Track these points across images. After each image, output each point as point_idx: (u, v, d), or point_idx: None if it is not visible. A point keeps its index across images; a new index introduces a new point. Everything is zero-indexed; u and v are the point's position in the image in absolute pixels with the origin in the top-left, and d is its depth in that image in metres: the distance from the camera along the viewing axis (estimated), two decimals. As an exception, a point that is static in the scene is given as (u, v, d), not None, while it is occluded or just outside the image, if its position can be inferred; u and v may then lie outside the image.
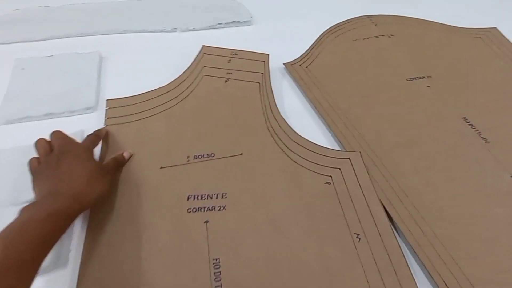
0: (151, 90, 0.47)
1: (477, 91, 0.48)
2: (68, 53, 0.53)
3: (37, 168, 0.34)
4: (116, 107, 0.45)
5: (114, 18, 0.61)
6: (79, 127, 0.43)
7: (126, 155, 0.39)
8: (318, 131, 0.44)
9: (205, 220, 0.34)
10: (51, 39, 0.56)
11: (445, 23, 0.60)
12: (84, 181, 0.31)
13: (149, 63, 0.53)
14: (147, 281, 0.30)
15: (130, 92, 0.47)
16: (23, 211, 0.28)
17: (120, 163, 0.38)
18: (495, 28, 0.59)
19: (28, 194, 0.34)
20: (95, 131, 0.40)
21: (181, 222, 0.34)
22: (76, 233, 0.34)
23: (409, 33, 0.58)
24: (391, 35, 0.58)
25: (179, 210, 0.35)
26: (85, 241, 0.33)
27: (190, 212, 0.35)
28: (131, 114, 0.44)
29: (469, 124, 0.44)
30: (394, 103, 0.47)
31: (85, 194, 0.31)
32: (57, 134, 0.36)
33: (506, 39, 0.57)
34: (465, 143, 0.42)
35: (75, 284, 0.30)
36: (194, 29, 0.60)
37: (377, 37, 0.58)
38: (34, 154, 0.35)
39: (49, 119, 0.45)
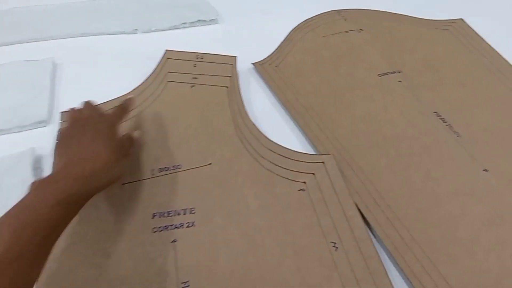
0: (111, 99, 0.44)
1: (447, 84, 0.48)
2: (16, 61, 0.48)
3: (62, 132, 0.34)
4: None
5: (69, 21, 0.56)
6: (30, 143, 0.39)
7: (136, 134, 0.38)
8: (291, 134, 0.42)
9: (172, 240, 0.32)
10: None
11: (412, 16, 0.60)
12: (101, 164, 0.29)
13: (108, 69, 0.50)
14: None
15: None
16: (33, 188, 0.27)
17: (133, 143, 0.37)
18: (461, 19, 0.59)
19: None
20: (123, 102, 0.37)
21: (146, 244, 0.31)
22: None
23: (379, 27, 0.57)
24: (361, 29, 0.57)
25: (144, 231, 0.32)
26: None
27: (156, 231, 0.32)
28: (89, 126, 0.41)
29: (441, 119, 0.43)
30: (368, 101, 0.46)
31: (99, 177, 0.29)
32: (88, 104, 0.36)
33: (473, 30, 0.57)
34: (439, 139, 0.41)
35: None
36: (156, 30, 0.56)
37: (347, 32, 0.57)
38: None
39: (-4, 136, 0.41)
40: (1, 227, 0.23)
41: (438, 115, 0.44)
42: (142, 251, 0.31)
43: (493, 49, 0.53)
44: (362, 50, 0.53)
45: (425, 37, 0.56)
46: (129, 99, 0.38)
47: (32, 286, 0.24)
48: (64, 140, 0.32)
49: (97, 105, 0.37)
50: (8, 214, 0.24)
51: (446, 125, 0.43)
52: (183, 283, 0.29)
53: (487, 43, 0.54)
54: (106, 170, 0.30)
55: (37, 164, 0.37)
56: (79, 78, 0.48)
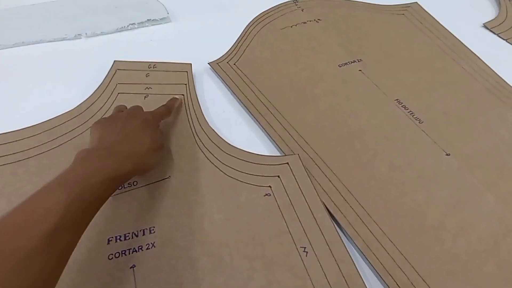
0: (54, 117, 0.40)
1: (405, 70, 0.48)
2: None
3: (104, 118, 0.35)
4: (4, 144, 0.37)
5: (0, 29, 0.51)
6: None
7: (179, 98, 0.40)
8: (253, 137, 0.40)
9: (131, 265, 0.29)
10: None
11: (368, 2, 0.59)
12: (145, 149, 0.30)
13: (49, 81, 0.45)
14: None
15: (27, 122, 0.39)
16: (80, 158, 0.27)
17: (163, 138, 0.36)
18: (416, 3, 0.59)
19: None
20: (168, 101, 0.40)
21: (103, 273, 0.29)
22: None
23: (335, 15, 0.56)
24: (319, 19, 0.55)
25: (99, 260, 0.29)
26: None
27: (112, 258, 0.30)
28: (30, 149, 0.37)
29: (402, 106, 0.43)
30: (330, 94, 0.45)
31: (142, 163, 0.30)
32: (134, 106, 0.36)
33: (427, 13, 0.57)
34: (401, 126, 0.41)
35: None
36: (102, 33, 0.52)
37: (305, 23, 0.55)
38: None
39: None
40: (57, 193, 0.23)
41: (400, 103, 0.43)
42: (99, 282, 0.28)
43: (447, 30, 0.53)
44: (321, 42, 0.52)
45: (381, 22, 0.55)
46: (174, 98, 0.40)
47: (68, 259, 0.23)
48: (110, 120, 0.33)
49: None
50: (61, 179, 0.24)
51: (408, 112, 0.42)
52: (145, 313, 0.27)
53: (441, 24, 0.54)
54: (148, 156, 0.31)
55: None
56: (13, 96, 0.43)
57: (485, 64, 0.48)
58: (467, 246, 0.32)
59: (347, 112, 0.43)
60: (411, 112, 0.42)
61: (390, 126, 0.41)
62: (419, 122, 0.41)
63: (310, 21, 0.55)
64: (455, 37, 0.52)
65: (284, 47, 0.51)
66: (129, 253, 0.30)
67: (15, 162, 0.35)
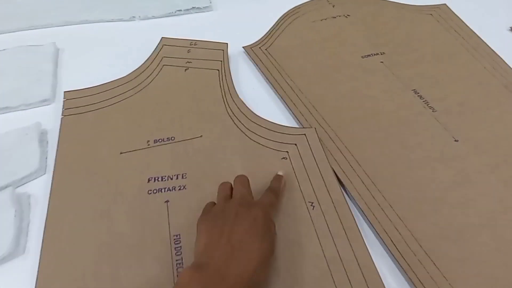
0: (109, 81, 0.47)
1: (426, 63, 0.51)
2: (20, 46, 0.51)
3: (210, 210, 0.30)
4: (74, 99, 0.45)
5: (69, 8, 0.59)
6: (36, 119, 0.42)
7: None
8: (278, 112, 0.45)
9: (165, 200, 0.35)
10: (0, 33, 0.54)
11: (398, 2, 0.62)
12: (254, 264, 0.26)
13: (107, 54, 0.53)
14: (110, 265, 0.31)
15: (88, 84, 0.47)
16: (187, 280, 0.24)
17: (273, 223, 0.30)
18: (444, 4, 0.61)
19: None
20: (272, 183, 0.34)
21: (142, 204, 0.35)
22: (36, 221, 0.34)
23: (364, 12, 0.60)
24: (348, 15, 0.59)
25: (140, 193, 0.36)
26: (45, 228, 0.33)
27: (150, 193, 0.36)
28: (90, 105, 0.44)
29: (418, 95, 0.46)
30: (351, 79, 0.49)
31: (252, 283, 0.25)
32: (241, 179, 0.32)
33: (455, 14, 0.59)
34: (415, 113, 0.44)
35: (36, 273, 0.31)
36: (153, 17, 0.59)
37: (334, 17, 0.59)
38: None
39: (5, 113, 0.44)
40: None
41: (416, 92, 0.47)
42: (139, 210, 0.34)
43: (472, 31, 0.55)
44: (347, 34, 0.56)
45: (407, 20, 0.58)
46: (278, 178, 0.35)
47: None
48: (216, 217, 0.29)
49: (247, 181, 0.33)
50: None
51: (423, 101, 0.45)
52: (175, 235, 0.32)
53: (466, 25, 0.56)
54: (256, 274, 0.26)
55: (42, 137, 0.41)
56: (80, 63, 0.51)
57: (506, 64, 0.50)
58: (464, 218, 0.34)
59: (365, 96, 0.46)
60: (426, 101, 0.45)
61: (405, 111, 0.44)
62: (432, 111, 0.44)
63: (339, 16, 0.59)
64: (479, 37, 0.54)
65: (313, 37, 0.55)
66: (164, 191, 0.36)
67: (78, 114, 0.43)
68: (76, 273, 0.31)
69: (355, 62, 0.51)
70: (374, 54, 0.52)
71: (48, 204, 0.35)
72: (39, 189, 0.37)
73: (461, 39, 0.55)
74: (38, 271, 0.31)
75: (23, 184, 0.37)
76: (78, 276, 0.30)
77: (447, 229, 0.34)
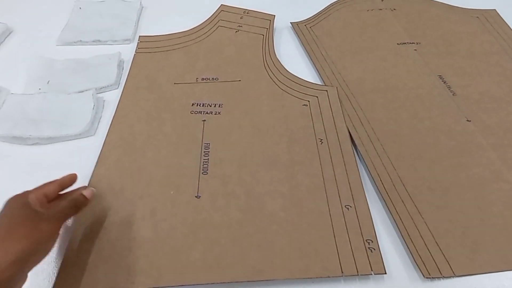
0: (175, 32, 0.58)
1: (459, 57, 0.53)
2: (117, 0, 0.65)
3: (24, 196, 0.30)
4: (146, 41, 0.56)
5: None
6: (118, 50, 0.54)
7: (88, 193, 0.32)
8: (308, 75, 0.52)
9: (203, 119, 0.44)
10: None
11: (447, 3, 0.65)
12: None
13: (178, 15, 0.64)
14: (154, 151, 0.40)
15: (158, 33, 0.58)
16: None
17: (79, 205, 0.31)
18: (494, 10, 0.63)
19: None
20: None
21: (185, 118, 0.44)
22: (106, 117, 0.45)
23: (411, 8, 0.64)
24: (394, 9, 0.64)
25: (184, 111, 0.45)
26: (111, 122, 0.44)
27: (192, 113, 0.45)
28: (157, 47, 0.55)
29: (442, 81, 0.50)
30: (380, 59, 0.54)
31: None
32: (40, 191, 0.30)
33: (503, 20, 0.61)
34: (435, 93, 0.48)
35: (100, 149, 0.41)
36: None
37: (380, 9, 0.64)
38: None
39: (96, 45, 0.57)
40: None
41: (441, 78, 0.50)
42: (182, 122, 0.44)
43: (515, 35, 0.57)
44: (388, 24, 0.60)
45: (452, 20, 0.61)
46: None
47: None
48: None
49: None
50: None
51: (446, 85, 0.49)
52: (206, 143, 0.41)
53: (511, 29, 0.58)
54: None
55: (120, 63, 0.53)
56: (156, 18, 0.63)
57: (543, 66, 0.51)
58: (454, 179, 0.38)
59: (390, 74, 0.51)
60: (448, 86, 0.49)
61: (424, 90, 0.48)
62: (452, 94, 0.48)
63: (386, 9, 0.64)
64: (522, 41, 0.55)
65: (355, 22, 0.61)
66: (203, 113, 0.44)
67: (148, 53, 0.54)
68: (128, 154, 0.40)
69: (389, 47, 0.56)
70: (410, 43, 0.57)
71: (116, 107, 0.46)
72: (112, 97, 0.48)
73: (502, 41, 0.56)
74: (101, 148, 0.41)
75: (102, 92, 0.49)
76: (130, 156, 0.40)
77: (434, 183, 0.37)
